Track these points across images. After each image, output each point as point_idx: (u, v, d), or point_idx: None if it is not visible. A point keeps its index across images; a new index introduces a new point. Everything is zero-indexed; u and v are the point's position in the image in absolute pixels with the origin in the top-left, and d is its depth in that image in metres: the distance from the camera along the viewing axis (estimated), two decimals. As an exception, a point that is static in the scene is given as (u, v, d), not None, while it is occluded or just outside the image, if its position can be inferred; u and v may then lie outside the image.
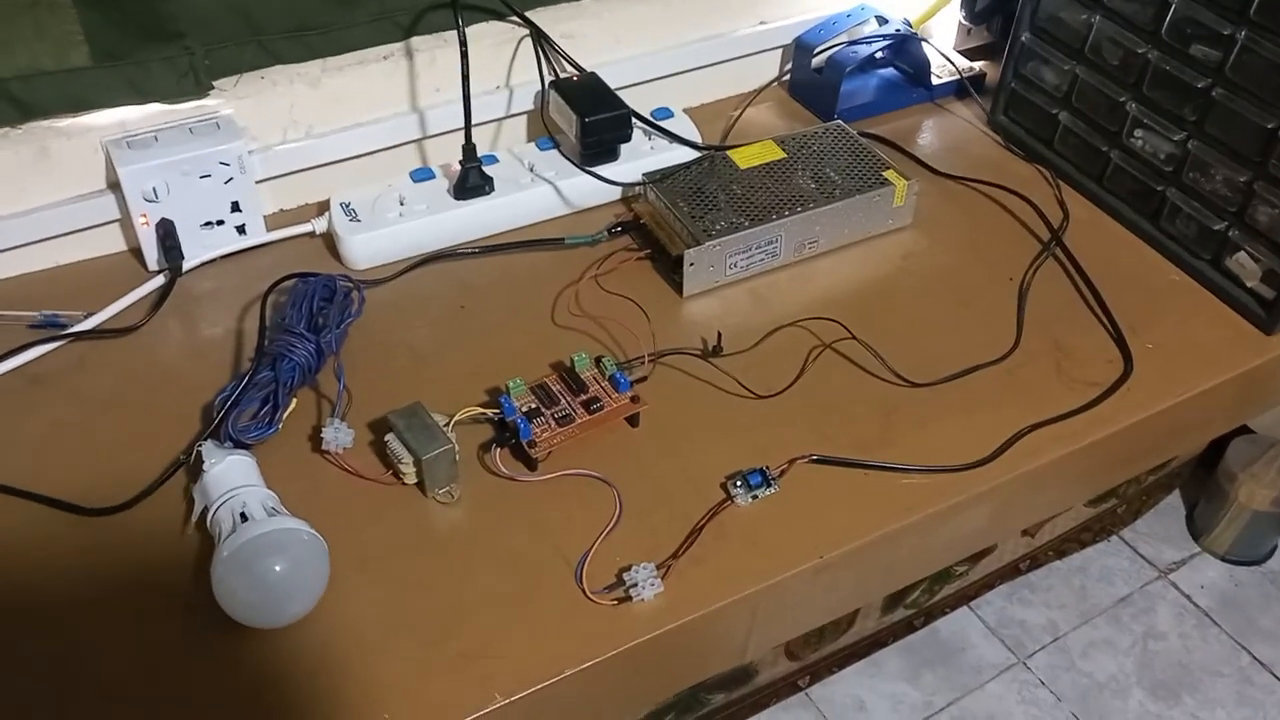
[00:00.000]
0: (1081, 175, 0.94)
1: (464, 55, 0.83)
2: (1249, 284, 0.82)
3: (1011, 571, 1.71)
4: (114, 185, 0.83)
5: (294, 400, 0.74)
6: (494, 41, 0.92)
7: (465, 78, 0.84)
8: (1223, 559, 1.71)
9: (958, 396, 0.77)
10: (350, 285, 0.82)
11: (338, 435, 0.71)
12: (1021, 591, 1.69)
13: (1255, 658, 1.60)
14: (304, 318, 0.78)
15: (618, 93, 0.92)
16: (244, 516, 0.63)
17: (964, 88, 1.07)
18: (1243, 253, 0.82)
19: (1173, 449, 0.86)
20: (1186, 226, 0.86)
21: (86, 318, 0.80)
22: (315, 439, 0.72)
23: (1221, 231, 0.83)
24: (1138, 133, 0.88)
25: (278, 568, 0.61)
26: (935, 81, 1.07)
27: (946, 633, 1.65)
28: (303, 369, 0.75)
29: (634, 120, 0.92)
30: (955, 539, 0.75)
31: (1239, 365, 0.80)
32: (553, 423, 0.72)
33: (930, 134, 1.03)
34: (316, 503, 0.67)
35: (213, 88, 0.85)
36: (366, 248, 0.86)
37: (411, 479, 0.70)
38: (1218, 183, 0.82)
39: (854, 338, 0.79)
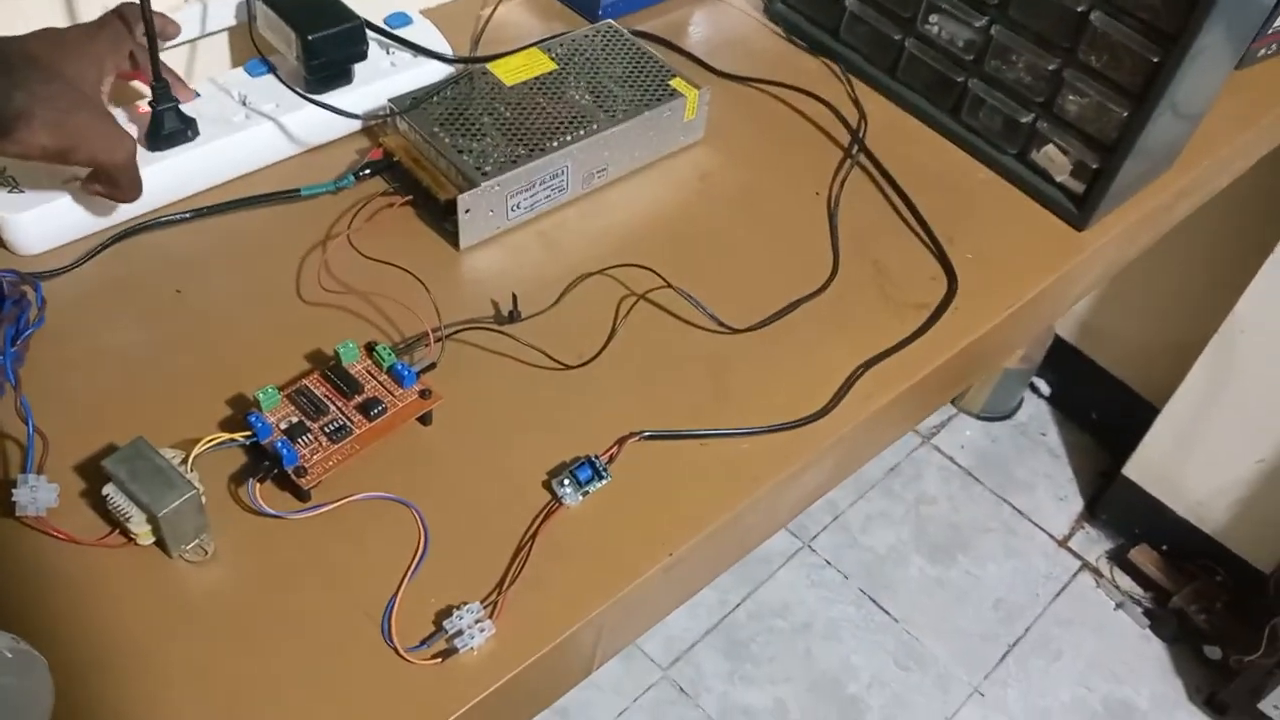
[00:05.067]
0: (873, 68, 0.86)
1: (134, -39, 0.63)
2: (1058, 178, 0.78)
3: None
4: None
5: (-35, 453, 0.56)
6: (170, -61, 0.72)
7: (140, -10, 0.64)
8: (978, 417, 1.78)
9: (784, 337, 0.69)
10: (20, 282, 0.62)
11: (36, 495, 0.54)
12: (801, 476, 1.70)
13: (1015, 508, 1.69)
14: (-40, 336, 0.58)
15: (341, -2, 0.75)
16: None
17: (732, -29, 0.96)
18: (1051, 145, 0.77)
19: (1000, 358, 0.82)
20: (991, 119, 0.80)
21: None
22: (5, 501, 0.54)
23: (1028, 124, 0.77)
24: (933, 18, 0.80)
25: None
26: (699, -36, 0.95)
27: (735, 529, 1.64)
28: (-30, 407, 0.56)
29: (368, 33, 0.75)
30: (802, 496, 0.68)
31: (1056, 267, 0.76)
32: (323, 439, 0.57)
33: (704, 28, 0.92)
34: (21, 591, 0.51)
35: None
36: (36, 226, 0.66)
37: (147, 538, 0.54)
38: (1021, 71, 0.77)
39: (667, 284, 0.69)
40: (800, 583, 1.61)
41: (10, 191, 0.66)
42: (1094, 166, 0.75)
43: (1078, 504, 1.70)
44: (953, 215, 0.77)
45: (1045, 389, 1.80)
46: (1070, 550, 1.65)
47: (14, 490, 0.54)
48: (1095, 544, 1.66)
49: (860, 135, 0.82)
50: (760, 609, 1.58)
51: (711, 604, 1.58)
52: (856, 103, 0.85)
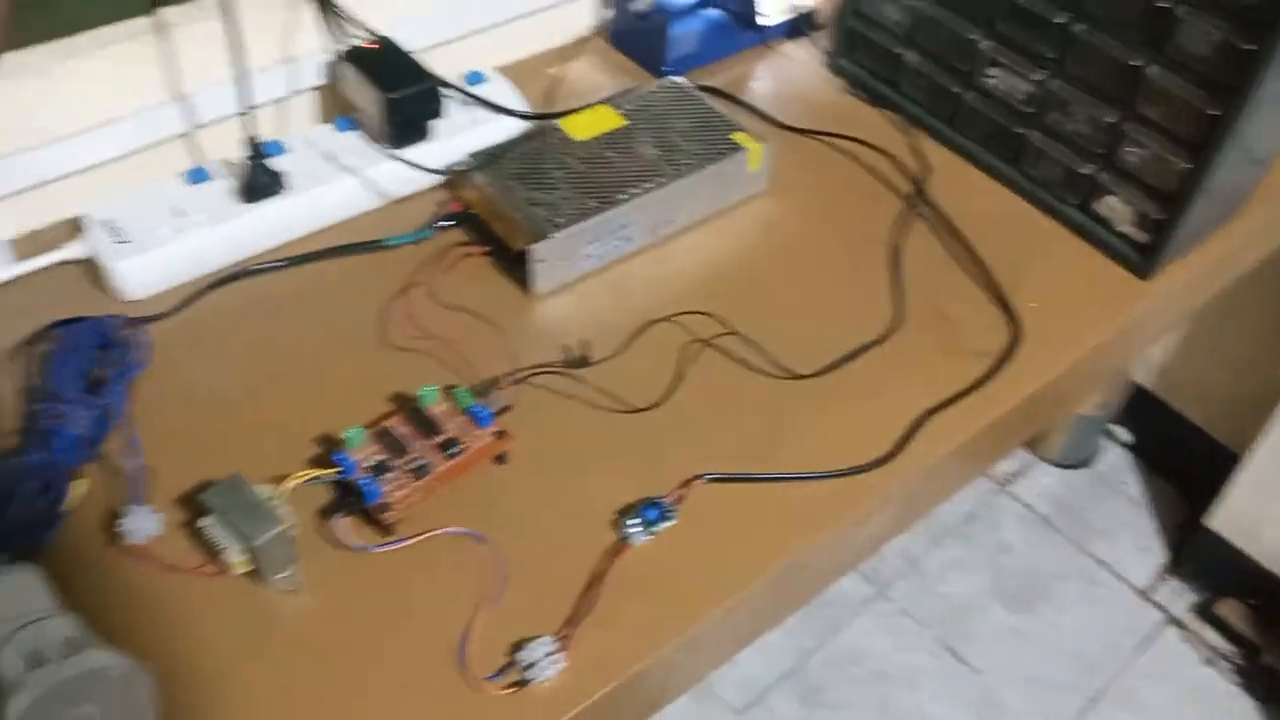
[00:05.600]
0: (933, 119, 0.88)
1: (232, 25, 0.68)
2: (1120, 228, 0.78)
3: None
4: None
5: (85, 482, 0.60)
6: (265, 6, 0.77)
7: (238, 52, 0.69)
8: (1055, 464, 1.76)
9: (847, 383, 0.70)
10: (127, 327, 0.67)
11: (142, 523, 0.58)
12: (873, 523, 1.70)
13: (1095, 557, 1.66)
14: (75, 377, 0.63)
15: (419, 57, 0.79)
16: (36, 658, 0.50)
17: (797, 28, 0.99)
18: (1112, 196, 0.78)
19: (1068, 405, 0.83)
20: (1051, 170, 0.81)
21: None
22: (111, 529, 0.58)
23: (1089, 175, 0.78)
24: (992, 72, 0.82)
25: (88, 725, 0.48)
26: (764, 22, 0.98)
27: (807, 575, 1.64)
28: (84, 443, 0.61)
29: (446, 91, 0.79)
30: (869, 539, 0.69)
31: (1122, 315, 0.76)
32: (406, 476, 0.61)
33: (768, 82, 0.95)
34: (126, 616, 0.55)
35: (-88, 92, 0.67)
36: (141, 274, 0.71)
37: (241, 568, 0.57)
38: (1081, 123, 0.78)
39: (731, 331, 0.71)
40: (876, 631, 1.60)
41: (117, 242, 0.71)
42: (1156, 217, 0.75)
43: (1160, 555, 1.66)
44: (1015, 264, 0.78)
45: (1124, 436, 1.77)
46: (1153, 602, 1.61)
47: (121, 520, 0.58)
48: (1179, 596, 1.62)
49: (922, 185, 0.84)
50: (836, 655, 1.57)
51: (786, 649, 1.57)
52: (918, 153, 0.87)
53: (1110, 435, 1.78)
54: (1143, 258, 0.77)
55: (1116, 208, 0.78)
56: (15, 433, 0.62)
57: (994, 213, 0.83)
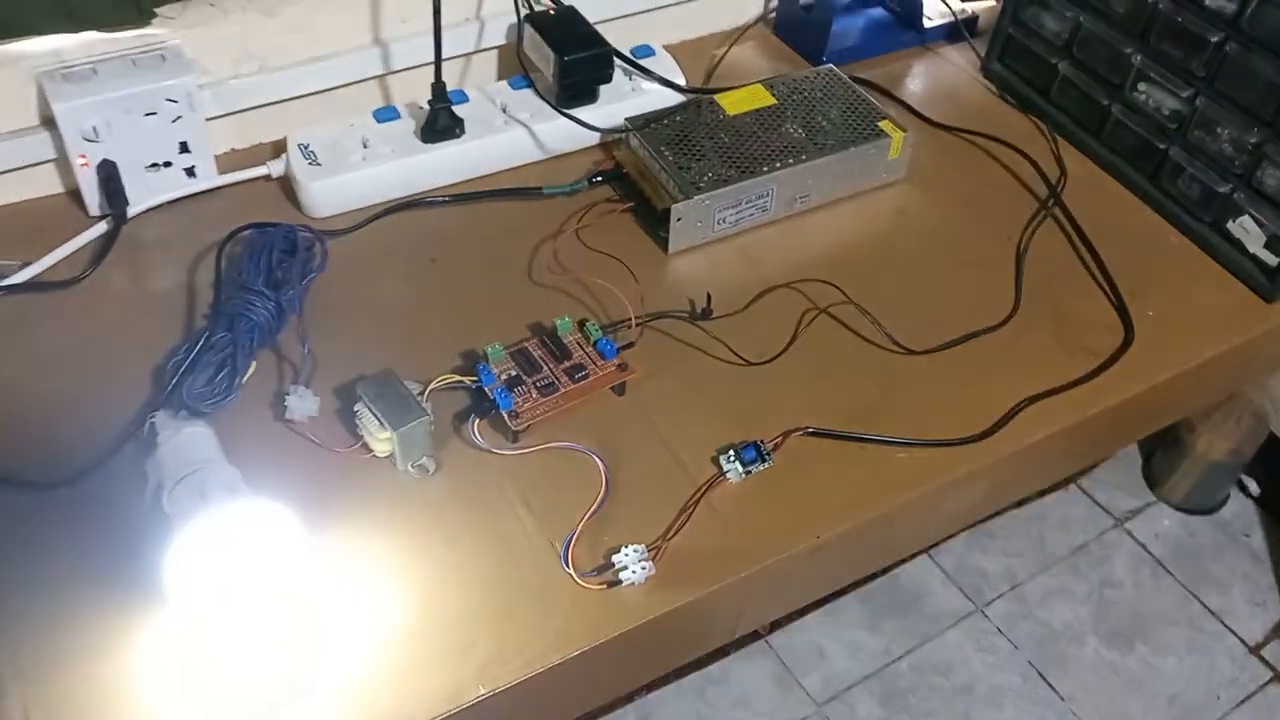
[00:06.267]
0: (1079, 129, 0.90)
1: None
2: (1251, 249, 0.79)
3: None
4: (48, 122, 0.76)
5: (253, 364, 0.69)
6: (463, -31, 0.86)
7: (437, 8, 0.77)
8: (1177, 508, 1.72)
9: (956, 364, 0.74)
10: (312, 238, 0.76)
11: (302, 403, 0.66)
12: (981, 539, 1.69)
13: (1205, 606, 1.62)
14: (263, 273, 0.72)
15: (596, 28, 0.86)
16: (204, 496, 0.58)
17: (957, 31, 1.02)
18: (1246, 216, 0.79)
19: (1170, 417, 0.84)
20: (1188, 187, 0.83)
21: (22, 268, 0.74)
22: (277, 406, 0.67)
23: (1226, 194, 0.80)
24: (1141, 86, 0.84)
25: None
26: (927, 24, 1.02)
27: (906, 580, 1.65)
28: (262, 329, 0.70)
29: (615, 60, 0.86)
30: (952, 513, 0.72)
31: (1239, 334, 0.77)
32: (535, 392, 0.67)
33: (921, 80, 0.99)
34: (281, 478, 0.62)
35: (155, 15, 0.77)
36: (328, 194, 0.80)
37: (384, 452, 0.65)
38: (1224, 143, 0.79)
39: (850, 301, 0.76)
40: (968, 645, 1.60)
41: (311, 164, 0.80)
42: (1290, 240, 0.76)
43: (1276, 611, 1.61)
44: (1139, 273, 0.80)
45: (1254, 488, 1.72)
46: (1262, 659, 1.57)
47: (286, 398, 0.66)
48: (1292, 656, 1.57)
49: (1058, 189, 0.86)
50: (923, 664, 1.58)
51: (875, 651, 1.59)
52: (1059, 159, 0.89)
53: (1240, 485, 1.74)
54: (1270, 280, 0.78)
55: (1250, 229, 0.79)
56: (207, 315, 0.72)
57: (1126, 223, 0.84)
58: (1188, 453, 1.64)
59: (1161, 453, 1.72)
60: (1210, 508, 1.72)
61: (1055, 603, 1.63)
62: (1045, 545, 1.70)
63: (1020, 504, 1.73)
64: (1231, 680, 1.54)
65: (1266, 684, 1.54)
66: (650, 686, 1.48)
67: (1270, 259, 0.78)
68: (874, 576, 1.65)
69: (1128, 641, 1.58)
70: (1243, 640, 1.58)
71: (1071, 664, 1.56)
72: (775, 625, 1.58)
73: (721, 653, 1.54)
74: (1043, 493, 1.74)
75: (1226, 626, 1.60)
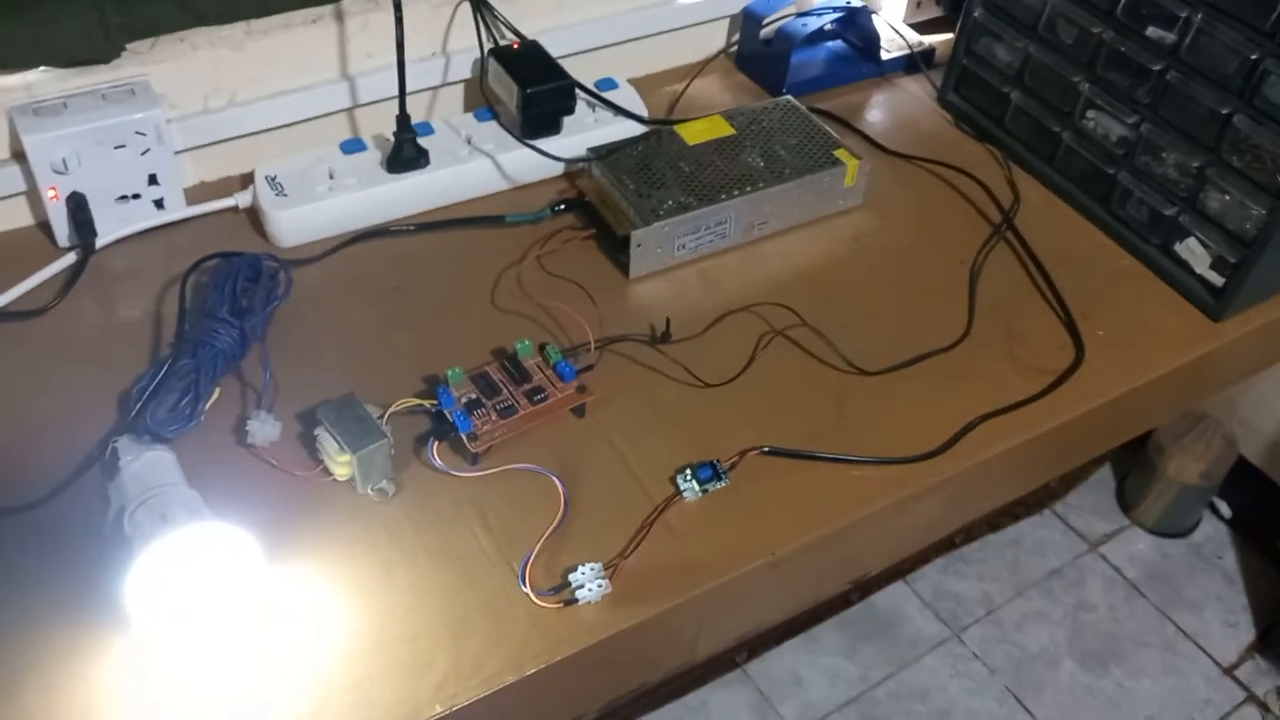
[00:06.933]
0: (1032, 156, 0.92)
1: (399, 19, 0.78)
2: (1198, 270, 0.81)
3: (946, 544, 1.72)
4: (19, 155, 0.77)
5: (217, 390, 0.70)
6: (430, 5, 0.88)
7: (400, 43, 0.79)
8: (1151, 532, 1.74)
9: (910, 384, 0.75)
10: (276, 265, 0.77)
11: (264, 429, 0.67)
12: (956, 564, 1.70)
13: (1179, 628, 1.63)
14: (227, 300, 0.73)
15: (560, 62, 0.88)
16: (164, 519, 0.59)
17: (914, 63, 1.05)
18: (1192, 238, 0.81)
19: (1122, 436, 0.85)
20: (1137, 211, 0.85)
21: (-11, 299, 0.75)
22: (239, 431, 0.68)
23: (1172, 217, 0.82)
24: (1090, 114, 0.86)
25: (201, 575, 0.57)
26: (885, 56, 1.04)
27: (882, 606, 1.66)
28: (226, 356, 0.71)
29: (577, 92, 0.88)
30: (909, 530, 0.74)
31: (1188, 353, 0.79)
32: (494, 414, 0.68)
33: (879, 110, 1.01)
34: (242, 501, 0.63)
35: (125, 50, 0.79)
36: (294, 224, 0.82)
37: (344, 475, 0.66)
38: (1169, 167, 0.82)
39: (805, 324, 0.77)
40: (945, 670, 1.61)
41: (278, 195, 0.81)
42: (1233, 260, 0.78)
43: (1249, 633, 1.62)
44: (1090, 294, 0.82)
45: (1226, 511, 1.74)
46: (1236, 679, 1.58)
47: (248, 423, 0.67)
48: (1265, 676, 1.58)
49: (1011, 215, 0.88)
50: (901, 690, 1.58)
51: (852, 677, 1.60)
52: (1012, 185, 0.91)
53: (1213, 508, 1.75)
54: (1216, 300, 0.80)
55: (1196, 250, 0.81)
56: (171, 342, 0.73)
57: (1077, 246, 0.86)
58: (1160, 476, 1.66)
59: (1134, 476, 1.74)
60: (1183, 531, 1.73)
61: (1031, 626, 1.64)
62: (1020, 569, 1.71)
63: (995, 529, 1.74)
64: (1206, 701, 1.55)
65: (1240, 704, 1.55)
66: (627, 716, 1.48)
67: (1216, 279, 0.80)
68: (850, 603, 1.66)
69: (1103, 664, 1.59)
70: (1216, 662, 1.59)
71: (1047, 687, 1.57)
72: (752, 653, 1.58)
73: (699, 681, 1.55)
74: (1016, 517, 1.76)
75: (1200, 648, 1.61)
